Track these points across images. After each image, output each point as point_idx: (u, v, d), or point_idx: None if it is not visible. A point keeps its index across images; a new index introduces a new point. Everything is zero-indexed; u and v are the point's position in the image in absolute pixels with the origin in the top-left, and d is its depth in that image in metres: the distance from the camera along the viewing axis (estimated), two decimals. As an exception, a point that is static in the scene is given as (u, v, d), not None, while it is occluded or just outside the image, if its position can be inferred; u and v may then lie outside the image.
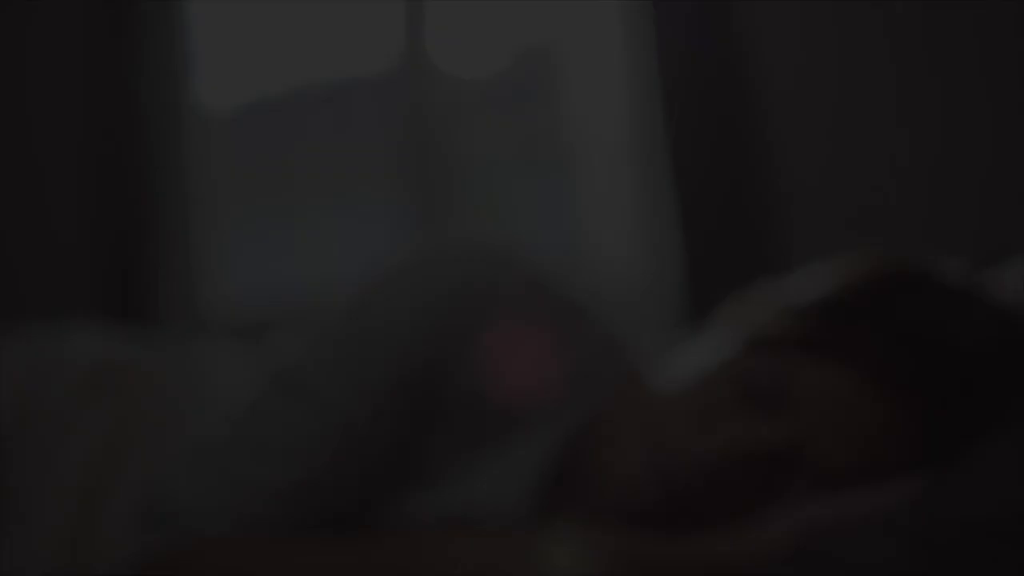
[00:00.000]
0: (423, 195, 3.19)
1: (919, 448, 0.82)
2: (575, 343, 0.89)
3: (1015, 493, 0.73)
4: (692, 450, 0.83)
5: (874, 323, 0.83)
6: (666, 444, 0.84)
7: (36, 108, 3.02)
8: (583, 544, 0.79)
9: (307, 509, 0.86)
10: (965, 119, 3.18)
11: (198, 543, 0.83)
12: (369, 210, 3.44)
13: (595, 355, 0.90)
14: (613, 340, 0.93)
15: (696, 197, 3.07)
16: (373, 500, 0.88)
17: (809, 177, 3.18)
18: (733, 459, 0.83)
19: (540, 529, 0.83)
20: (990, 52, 3.19)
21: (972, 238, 2.87)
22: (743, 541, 0.79)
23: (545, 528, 0.83)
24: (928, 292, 0.85)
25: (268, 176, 3.31)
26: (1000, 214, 3.05)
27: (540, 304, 0.88)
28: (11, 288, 2.93)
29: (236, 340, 1.34)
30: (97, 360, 1.08)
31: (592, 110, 3.24)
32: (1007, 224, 2.91)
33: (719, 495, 0.84)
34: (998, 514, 0.71)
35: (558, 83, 3.32)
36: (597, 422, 0.88)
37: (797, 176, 3.19)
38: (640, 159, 3.12)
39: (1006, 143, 3.11)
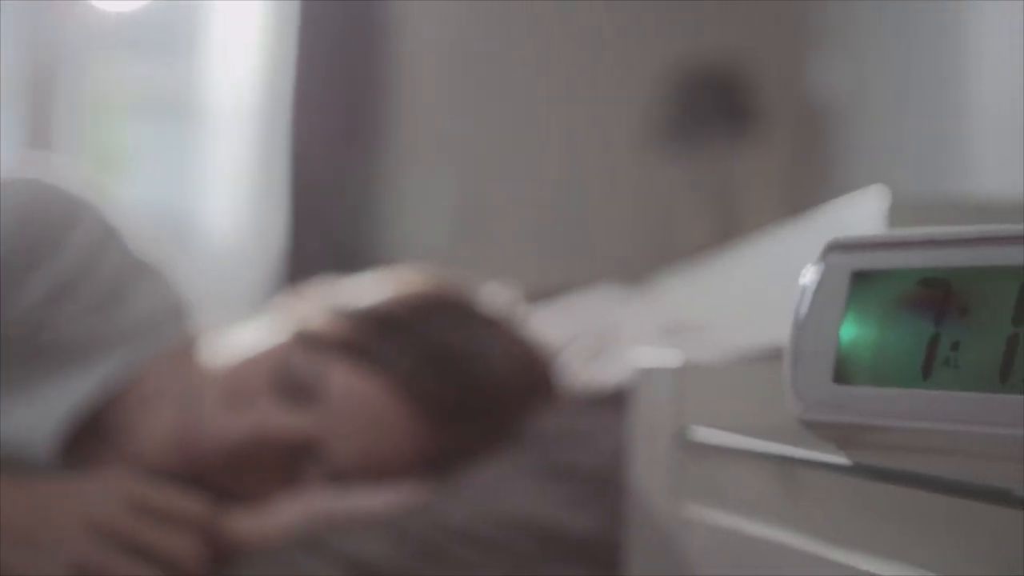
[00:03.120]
0: (38, 121, 3.04)
1: (433, 456, 0.89)
2: (135, 297, 0.90)
3: (495, 506, 0.80)
4: (219, 425, 0.86)
5: (409, 337, 0.90)
6: (196, 415, 0.87)
7: None
8: (95, 493, 0.81)
9: None
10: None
11: None
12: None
13: (154, 313, 0.91)
14: (176, 302, 0.93)
15: (310, 169, 3.08)
16: None
17: (421, 172, 3.28)
18: (257, 441, 0.86)
19: (58, 474, 0.84)
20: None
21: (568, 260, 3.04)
22: (252, 521, 0.83)
23: (63, 474, 0.85)
24: (461, 317, 0.92)
25: None
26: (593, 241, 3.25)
27: (107, 253, 0.89)
28: None
29: None
30: None
31: (227, 62, 3.19)
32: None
33: (239, 473, 0.87)
34: (479, 524, 0.79)
35: (197, 30, 3.26)
36: (140, 379, 0.89)
37: (413, 169, 3.27)
38: (264, 121, 3.11)
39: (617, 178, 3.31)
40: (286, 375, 0.88)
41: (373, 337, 0.89)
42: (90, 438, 0.89)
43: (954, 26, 2.46)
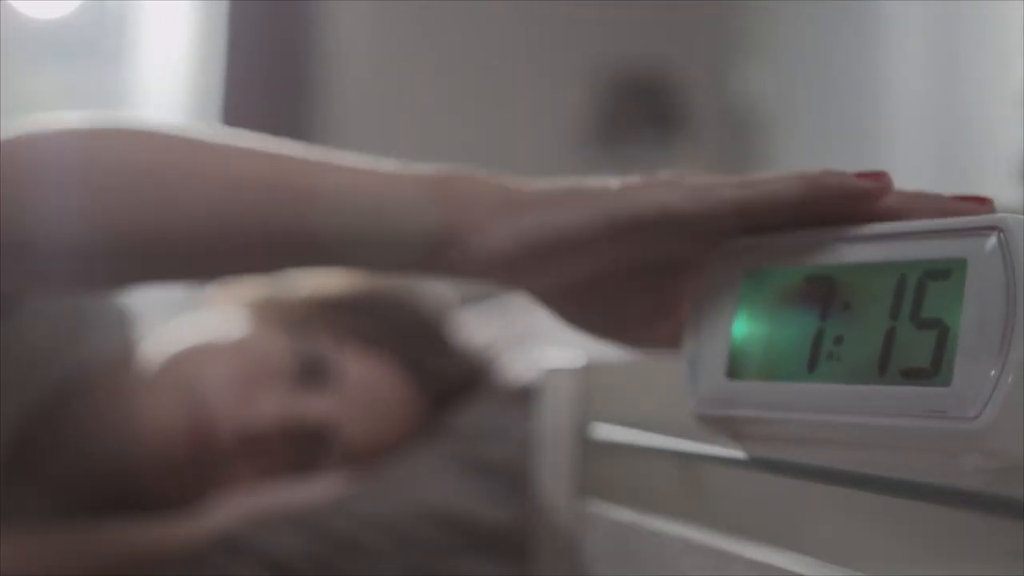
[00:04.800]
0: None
1: (420, 434, 0.89)
2: (84, 310, 0.88)
3: (412, 498, 0.81)
4: (241, 412, 0.84)
5: (400, 318, 0.91)
6: (208, 404, 0.84)
7: None
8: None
9: None
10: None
11: None
12: None
13: (102, 322, 0.89)
14: (121, 311, 0.91)
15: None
16: None
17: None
18: (282, 426, 0.85)
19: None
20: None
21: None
22: (183, 527, 0.83)
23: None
24: (419, 306, 0.94)
25: None
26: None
27: None
28: None
29: None
30: None
31: (156, 70, 3.17)
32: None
33: (252, 460, 0.85)
34: (395, 516, 0.79)
35: (126, 38, 3.23)
36: (91, 387, 0.87)
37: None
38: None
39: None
40: (300, 361, 0.87)
41: (368, 321, 0.90)
42: (33, 446, 0.87)
43: (871, 30, 2.50)
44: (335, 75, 3.28)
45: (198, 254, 0.56)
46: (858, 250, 0.45)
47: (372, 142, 3.53)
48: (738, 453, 0.50)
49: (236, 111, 3.08)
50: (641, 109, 2.97)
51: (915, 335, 0.40)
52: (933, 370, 0.39)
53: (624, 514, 0.57)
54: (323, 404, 0.86)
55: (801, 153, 2.81)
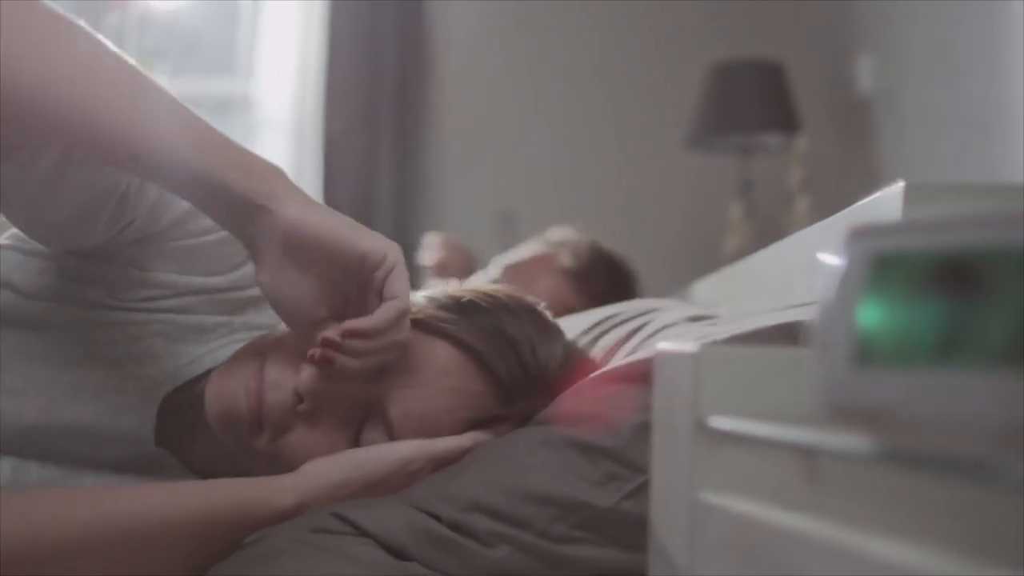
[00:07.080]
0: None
1: (486, 420, 0.94)
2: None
3: (518, 482, 0.83)
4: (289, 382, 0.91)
5: (482, 321, 0.95)
6: (265, 370, 0.92)
7: None
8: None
9: None
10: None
11: None
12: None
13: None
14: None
15: (345, 181, 3.10)
16: None
17: (460, 177, 3.28)
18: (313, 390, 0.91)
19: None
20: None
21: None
22: (286, 484, 0.87)
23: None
24: (521, 312, 0.99)
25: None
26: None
27: None
28: None
29: None
30: None
31: (266, 75, 3.21)
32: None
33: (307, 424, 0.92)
34: (502, 499, 0.81)
35: (241, 45, 3.28)
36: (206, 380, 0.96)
37: (453, 174, 3.28)
38: (298, 133, 3.13)
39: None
40: None
41: (452, 316, 0.95)
42: (176, 414, 0.97)
43: (994, 21, 2.45)
44: (447, 76, 3.29)
45: None
46: (991, 233, 0.43)
47: (481, 140, 3.51)
48: (862, 443, 0.48)
49: (338, 111, 3.10)
50: (759, 102, 2.93)
51: (1054, 321, 0.39)
52: (1074, 358, 0.38)
53: (744, 506, 0.55)
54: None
55: (922, 144, 2.76)
